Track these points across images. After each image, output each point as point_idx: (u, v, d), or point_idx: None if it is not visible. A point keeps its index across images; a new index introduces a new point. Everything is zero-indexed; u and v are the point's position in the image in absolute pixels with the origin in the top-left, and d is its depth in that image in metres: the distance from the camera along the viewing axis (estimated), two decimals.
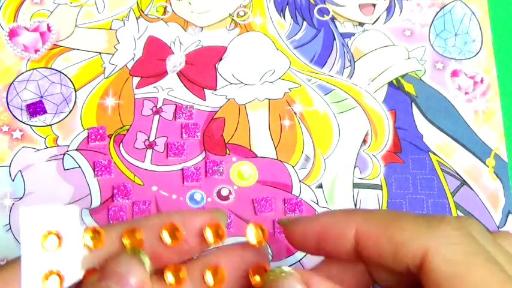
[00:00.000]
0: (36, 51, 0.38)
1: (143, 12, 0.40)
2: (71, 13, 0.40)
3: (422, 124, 0.39)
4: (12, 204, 0.35)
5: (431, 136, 0.38)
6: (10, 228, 0.34)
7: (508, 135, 0.39)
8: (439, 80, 0.40)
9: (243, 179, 0.36)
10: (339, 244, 0.24)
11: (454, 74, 0.40)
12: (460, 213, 0.36)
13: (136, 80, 0.38)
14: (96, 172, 0.36)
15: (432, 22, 0.42)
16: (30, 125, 0.37)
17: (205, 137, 0.37)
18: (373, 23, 0.41)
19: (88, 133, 0.37)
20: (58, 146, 0.36)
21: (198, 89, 0.38)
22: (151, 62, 0.39)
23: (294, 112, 0.38)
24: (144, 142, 0.37)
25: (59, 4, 0.40)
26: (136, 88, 0.38)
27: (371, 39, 0.41)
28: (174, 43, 0.39)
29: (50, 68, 0.38)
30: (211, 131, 0.37)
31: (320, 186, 0.36)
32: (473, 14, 0.42)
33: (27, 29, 0.39)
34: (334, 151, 0.37)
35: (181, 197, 0.36)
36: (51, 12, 0.39)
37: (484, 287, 0.22)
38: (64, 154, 0.36)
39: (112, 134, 0.37)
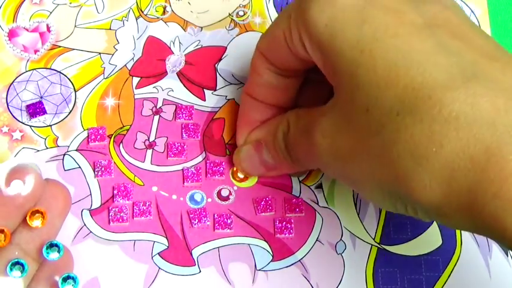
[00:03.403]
0: (35, 51, 0.38)
1: (143, 12, 0.40)
2: (71, 13, 0.40)
3: None
4: None
5: None
6: None
7: None
8: None
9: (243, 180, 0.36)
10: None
11: None
12: None
13: (136, 80, 0.38)
14: (96, 172, 0.36)
15: None
16: (30, 126, 0.37)
17: (205, 137, 0.37)
18: None
19: (88, 133, 0.37)
20: (58, 146, 0.36)
21: (197, 89, 0.38)
22: (151, 62, 0.39)
23: None
24: (144, 142, 0.37)
25: (58, 4, 0.40)
26: (136, 88, 0.38)
27: None
28: (173, 43, 0.39)
29: (50, 69, 0.38)
30: (211, 131, 0.37)
31: (320, 186, 0.36)
32: (473, 12, 0.42)
33: (27, 30, 0.39)
34: None
35: (182, 197, 0.36)
36: (51, 13, 0.39)
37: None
38: (64, 155, 0.36)
39: (112, 134, 0.37)
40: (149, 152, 0.37)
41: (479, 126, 0.22)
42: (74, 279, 0.30)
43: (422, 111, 0.23)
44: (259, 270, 0.35)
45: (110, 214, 0.35)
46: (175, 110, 0.37)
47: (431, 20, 0.26)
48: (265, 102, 0.34)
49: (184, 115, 0.37)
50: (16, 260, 0.28)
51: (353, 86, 0.26)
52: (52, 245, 0.29)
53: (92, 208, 0.35)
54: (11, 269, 0.28)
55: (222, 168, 0.36)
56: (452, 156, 0.22)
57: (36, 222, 0.29)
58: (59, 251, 0.29)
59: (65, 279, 0.29)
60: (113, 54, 0.39)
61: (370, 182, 0.26)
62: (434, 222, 0.36)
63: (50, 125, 0.37)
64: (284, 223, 0.35)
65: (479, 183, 0.22)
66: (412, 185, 0.24)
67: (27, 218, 0.29)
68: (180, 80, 0.38)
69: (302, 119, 0.31)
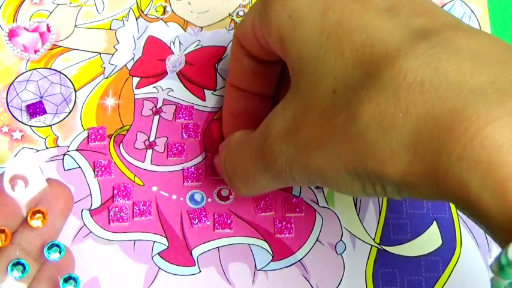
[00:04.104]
0: (35, 51, 0.38)
1: (143, 12, 0.40)
2: (71, 13, 0.40)
3: None
4: None
5: None
6: None
7: None
8: None
9: None
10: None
11: None
12: (459, 213, 0.36)
13: (136, 80, 0.38)
14: (96, 172, 0.36)
15: None
16: (30, 126, 0.37)
17: (205, 137, 0.37)
18: None
19: (88, 133, 0.37)
20: (58, 146, 0.36)
21: (197, 89, 0.38)
22: (151, 62, 0.39)
23: None
24: (144, 142, 0.37)
25: (58, 4, 0.40)
26: (136, 88, 0.38)
27: None
28: (173, 43, 0.39)
29: (50, 69, 0.38)
30: (211, 131, 0.37)
31: (320, 186, 0.36)
32: (473, 12, 0.42)
33: (27, 29, 0.39)
34: None
35: (182, 197, 0.36)
36: (51, 13, 0.39)
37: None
38: (64, 154, 0.36)
39: (112, 134, 0.37)
40: (149, 152, 0.37)
41: (444, 88, 0.22)
42: (75, 279, 0.30)
43: (387, 80, 0.23)
44: (259, 270, 0.35)
45: (110, 214, 0.35)
46: (175, 110, 0.37)
47: (395, 3, 0.26)
48: (247, 90, 0.34)
49: (184, 115, 0.37)
50: (17, 260, 0.28)
51: (319, 71, 0.26)
52: (53, 245, 0.29)
53: (92, 208, 0.35)
54: (11, 269, 0.28)
55: None
56: (418, 119, 0.22)
57: (36, 222, 0.29)
58: (60, 252, 0.29)
59: (66, 280, 0.29)
60: (113, 54, 0.39)
61: (336, 165, 0.25)
62: (434, 222, 0.36)
63: (50, 125, 0.37)
64: (284, 223, 0.35)
65: (444, 144, 0.21)
66: (380, 155, 0.23)
67: (28, 217, 0.29)
68: (180, 80, 0.38)
69: (246, 141, 0.31)
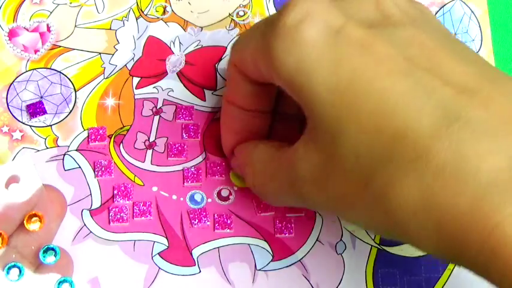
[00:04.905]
0: (36, 51, 0.38)
1: (143, 12, 0.40)
2: (71, 13, 0.40)
3: None
4: None
5: None
6: None
7: None
8: None
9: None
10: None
11: None
12: None
13: (136, 80, 0.38)
14: (96, 173, 0.36)
15: None
16: (30, 126, 0.37)
17: (205, 137, 0.37)
18: None
19: (88, 133, 0.37)
20: (58, 146, 0.36)
21: (197, 89, 0.38)
22: (151, 62, 0.39)
23: None
24: (144, 142, 0.37)
25: (58, 4, 0.40)
26: (136, 88, 0.38)
27: None
28: (173, 43, 0.39)
29: (50, 69, 0.38)
30: (211, 131, 0.37)
31: None
32: (473, 13, 0.42)
33: (27, 29, 0.39)
34: None
35: (182, 197, 0.36)
36: (51, 13, 0.39)
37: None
38: (64, 154, 0.36)
39: (112, 134, 0.37)
40: (149, 152, 0.37)
41: (464, 176, 0.22)
42: (70, 283, 0.30)
43: (410, 163, 0.23)
44: (259, 270, 0.35)
45: (110, 214, 0.35)
46: (176, 110, 0.37)
47: (406, 49, 0.25)
48: (245, 108, 0.33)
49: (184, 115, 0.37)
50: (13, 264, 0.28)
51: (337, 130, 0.25)
52: (49, 249, 0.29)
53: (92, 208, 0.35)
54: (7, 272, 0.28)
55: (222, 169, 0.36)
56: (441, 210, 0.23)
57: (33, 226, 0.29)
58: (55, 255, 0.29)
59: (60, 283, 0.29)
60: (113, 54, 0.39)
61: (370, 225, 0.27)
62: None
63: (50, 125, 0.37)
64: (284, 223, 0.35)
65: (464, 240, 0.23)
66: (408, 234, 0.24)
67: (25, 221, 0.29)
68: (180, 80, 0.38)
69: (272, 168, 0.31)
